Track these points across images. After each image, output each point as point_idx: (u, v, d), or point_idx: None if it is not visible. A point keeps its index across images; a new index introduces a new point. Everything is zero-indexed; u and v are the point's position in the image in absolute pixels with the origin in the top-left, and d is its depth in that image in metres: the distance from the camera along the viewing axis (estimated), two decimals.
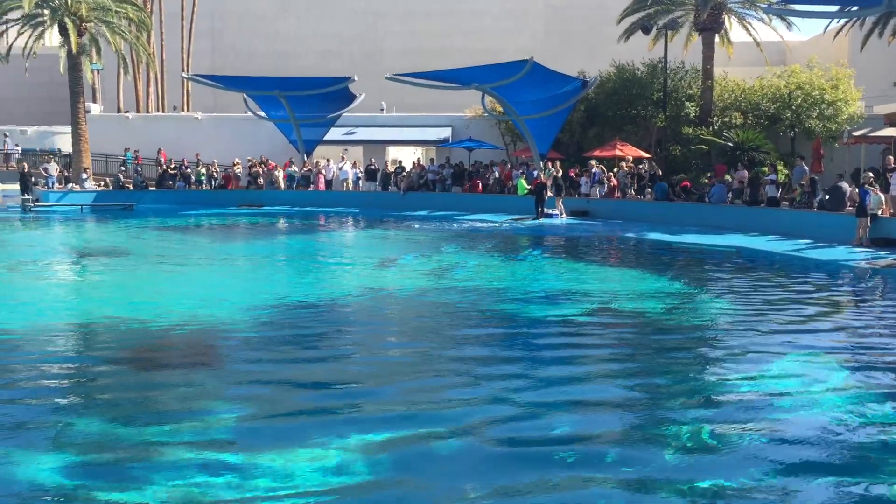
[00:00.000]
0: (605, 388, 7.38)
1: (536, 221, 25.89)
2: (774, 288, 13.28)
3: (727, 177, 25.75)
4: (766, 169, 25.44)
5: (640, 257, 18.57)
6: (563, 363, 8.22)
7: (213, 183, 34.86)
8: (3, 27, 42.23)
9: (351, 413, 6.65)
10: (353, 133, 37.74)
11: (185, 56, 50.73)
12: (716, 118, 32.20)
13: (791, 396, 7.03)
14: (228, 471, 5.33)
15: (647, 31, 33.17)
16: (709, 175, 28.30)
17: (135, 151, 38.69)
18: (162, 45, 50.30)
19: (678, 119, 32.26)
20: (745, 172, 25.26)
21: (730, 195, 24.60)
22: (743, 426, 6.20)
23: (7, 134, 43.60)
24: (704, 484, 5.14)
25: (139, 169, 37.57)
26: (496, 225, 25.32)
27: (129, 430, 6.18)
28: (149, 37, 41.73)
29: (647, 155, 31.26)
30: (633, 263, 17.49)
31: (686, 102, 32.64)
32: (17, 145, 39.98)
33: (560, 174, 29.13)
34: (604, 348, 9.00)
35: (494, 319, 10.64)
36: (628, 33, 34.91)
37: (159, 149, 39.11)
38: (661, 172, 27.96)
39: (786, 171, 26.74)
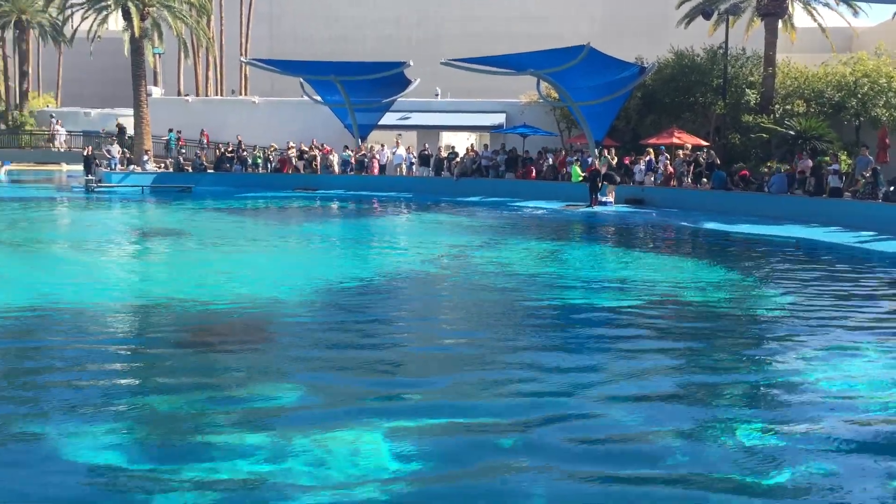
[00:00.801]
0: (665, 381, 7.28)
1: (590, 209, 25.68)
2: (838, 281, 12.97)
3: (788, 166, 25.16)
4: (827, 158, 24.78)
5: (697, 247, 18.32)
6: (622, 355, 8.14)
7: (269, 166, 35.32)
8: (69, 12, 43.31)
9: (405, 401, 6.69)
10: (407, 118, 37.82)
11: (243, 40, 51.39)
12: (777, 106, 31.45)
13: (860, 397, 6.85)
14: (278, 453, 5.43)
15: (707, 16, 32.52)
16: (768, 164, 27.68)
17: (178, 132, 39.34)
18: (221, 30, 51.05)
19: (738, 107, 31.58)
20: (809, 162, 24.61)
21: (792, 185, 24.05)
22: (809, 426, 6.09)
23: (53, 115, 44.79)
24: (768, 482, 5.07)
25: (183, 150, 38.18)
26: (546, 212, 25.17)
27: (186, 409, 6.34)
28: (209, 21, 42.44)
29: (705, 143, 30.72)
30: (689, 253, 17.26)
31: (746, 90, 31.92)
32: (62, 126, 40.98)
33: (615, 161, 28.82)
34: (662, 340, 8.90)
35: (551, 308, 10.60)
36: (688, 18, 34.26)
37: (202, 129, 39.81)
38: (719, 161, 27.45)
39: (849, 161, 26.02)
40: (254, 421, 6.03)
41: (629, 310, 10.37)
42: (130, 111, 39.72)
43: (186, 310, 10.13)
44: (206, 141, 39.61)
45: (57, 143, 37.75)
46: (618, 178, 27.73)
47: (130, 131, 40.92)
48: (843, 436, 5.83)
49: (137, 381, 7.28)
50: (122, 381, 7.22)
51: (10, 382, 6.98)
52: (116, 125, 40.62)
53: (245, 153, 35.67)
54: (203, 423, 5.98)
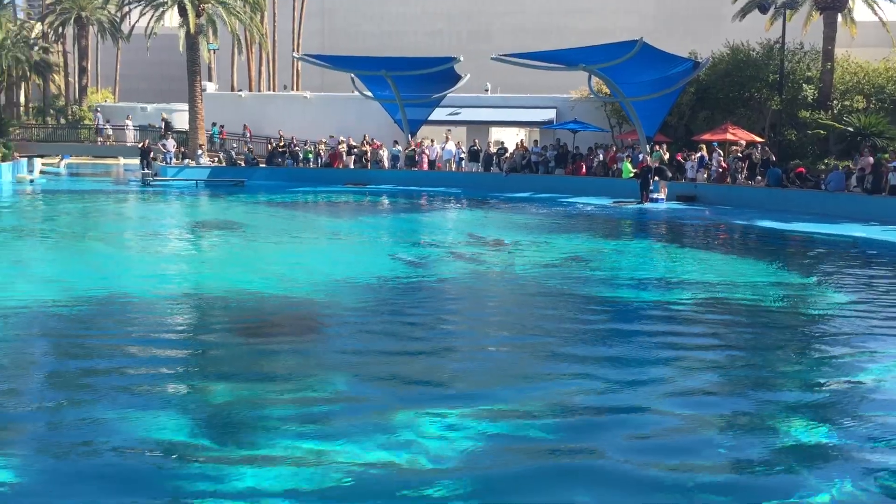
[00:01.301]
0: (719, 380, 7.22)
1: (641, 205, 25.43)
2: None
3: (849, 163, 24.53)
4: (887, 156, 24.14)
5: (751, 245, 18.01)
6: (674, 354, 8.08)
7: (319, 161, 35.69)
8: (127, 8, 44.28)
9: (452, 403, 6.74)
10: (457, 113, 37.87)
11: (295, 36, 51.99)
12: (835, 102, 30.73)
13: None
14: (326, 442, 5.52)
15: (764, 9, 31.91)
16: (825, 161, 27.08)
17: (220, 126, 40.06)
18: (274, 26, 51.70)
19: (794, 102, 30.93)
20: (871, 159, 23.93)
21: (849, 182, 23.49)
22: (869, 426, 5.98)
23: (98, 109, 45.87)
24: (816, 482, 5.00)
25: (225, 144, 38.78)
26: (596, 208, 24.99)
27: (240, 396, 6.47)
28: (262, 17, 42.97)
29: (759, 139, 30.17)
30: (743, 251, 16.99)
31: (804, 85, 31.25)
32: (107, 122, 41.86)
33: (667, 157, 28.48)
34: (715, 339, 8.78)
35: (602, 306, 10.54)
36: (744, 13, 33.69)
37: (244, 124, 40.49)
38: (774, 157, 26.94)
39: None
40: (305, 412, 6.12)
41: (681, 308, 10.26)
42: (185, 106, 40.47)
43: (242, 301, 10.32)
44: (248, 135, 40.29)
45: (129, 138, 38.66)
46: (670, 174, 27.43)
47: (178, 125, 41.83)
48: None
49: (193, 368, 7.45)
50: (179, 368, 7.39)
51: (70, 371, 7.20)
52: (162, 119, 41.50)
53: (297, 148, 36.11)
54: (256, 412, 6.10)
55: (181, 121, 42.43)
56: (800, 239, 18.45)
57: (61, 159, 41.10)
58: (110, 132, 41.37)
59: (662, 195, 26.38)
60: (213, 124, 39.76)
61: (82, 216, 21.46)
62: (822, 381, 7.26)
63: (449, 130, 37.46)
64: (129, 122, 41.18)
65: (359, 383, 6.92)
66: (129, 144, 40.90)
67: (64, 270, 12.34)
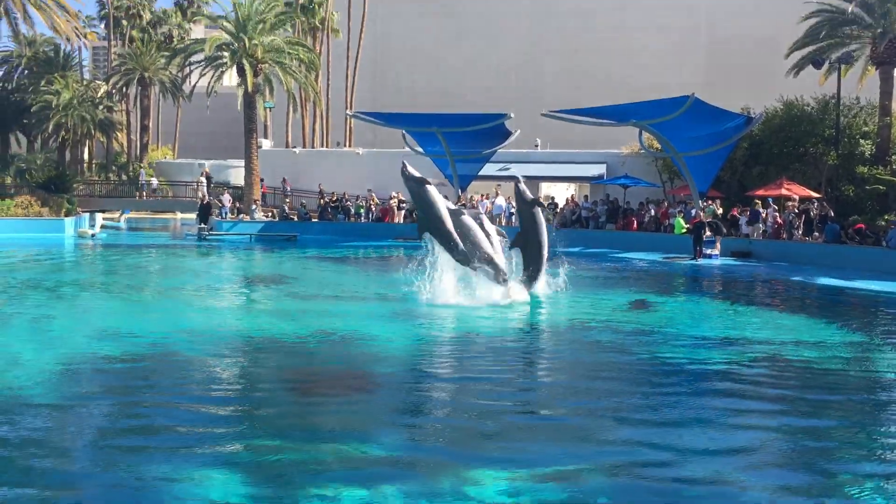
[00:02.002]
0: (778, 443, 6.98)
1: (695, 261, 25.06)
2: None
3: None
4: None
5: (810, 303, 17.55)
6: (730, 415, 7.85)
7: (371, 215, 36.07)
8: (188, 69, 45.84)
9: (500, 459, 6.62)
10: (507, 168, 38.02)
11: (348, 94, 53.09)
12: (894, 157, 30.13)
13: None
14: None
15: (818, 65, 31.60)
16: (886, 217, 26.44)
17: (261, 180, 41.36)
18: (328, 84, 52.91)
19: (852, 157, 30.40)
20: None
21: None
22: None
23: (143, 167, 47.57)
24: None
25: (303, 202, 39.58)
26: (647, 264, 24.69)
27: (286, 448, 6.45)
28: (317, 76, 43.99)
29: (816, 194, 29.64)
30: (801, 309, 16.54)
31: (861, 140, 30.74)
32: (151, 177, 43.27)
33: (720, 212, 28.11)
34: (771, 401, 8.52)
35: (654, 366, 10.33)
36: (798, 68, 33.45)
37: (283, 178, 41.51)
38: (832, 213, 26.41)
39: None
40: (351, 468, 6.07)
41: (736, 369, 9.98)
42: (241, 162, 41.45)
43: (292, 356, 10.35)
44: (287, 188, 41.23)
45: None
46: (724, 230, 27.02)
47: (234, 181, 43.08)
48: None
49: (243, 427, 7.44)
50: (228, 427, 7.40)
51: (120, 427, 7.28)
52: (203, 173, 42.82)
53: (348, 203, 36.59)
54: (305, 470, 6.06)
55: (237, 176, 43.44)
56: (862, 297, 17.92)
57: (122, 214, 42.25)
58: (154, 186, 42.76)
59: (717, 251, 25.98)
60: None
61: (139, 270, 21.93)
62: (884, 445, 6.96)
63: (499, 185, 37.63)
64: (202, 179, 42.25)
65: (404, 446, 6.85)
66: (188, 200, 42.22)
67: (120, 323, 12.56)
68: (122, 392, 8.50)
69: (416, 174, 14.66)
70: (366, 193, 37.38)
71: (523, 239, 16.17)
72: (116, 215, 41.81)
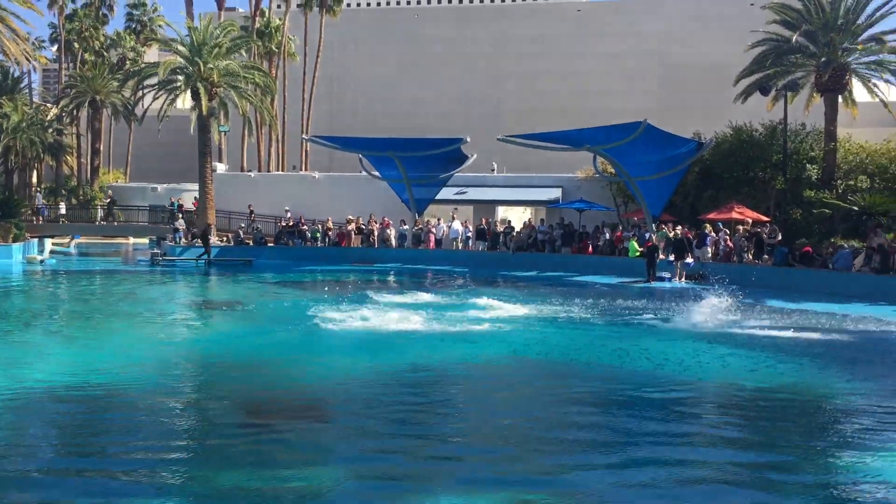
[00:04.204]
0: (721, 467, 7.06)
1: (647, 284, 25.36)
2: None
3: (861, 242, 24.46)
4: (892, 235, 24.16)
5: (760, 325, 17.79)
6: (668, 441, 7.92)
7: (327, 240, 35.89)
8: (141, 92, 45.34)
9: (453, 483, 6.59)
10: (463, 192, 38.21)
11: (305, 118, 52.96)
12: (840, 181, 30.95)
13: None
14: None
15: (765, 91, 32.42)
16: (832, 240, 27.08)
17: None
18: (284, 108, 52.76)
19: (799, 182, 31.17)
20: (885, 237, 23.80)
21: (855, 262, 23.45)
22: None
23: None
24: None
25: (258, 226, 39.19)
26: (602, 287, 24.90)
27: (238, 477, 6.33)
28: (272, 100, 43.81)
29: (765, 218, 30.27)
30: (752, 332, 16.76)
31: (807, 165, 31.55)
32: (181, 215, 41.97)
33: (672, 235, 28.53)
34: (712, 427, 8.63)
35: (598, 395, 10.38)
36: (746, 94, 34.25)
37: (249, 205, 40.99)
38: (780, 236, 26.98)
39: None
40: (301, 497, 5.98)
41: (678, 395, 10.09)
42: (195, 186, 40.99)
43: (244, 383, 10.20)
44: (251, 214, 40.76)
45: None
46: (687, 253, 27.29)
47: (187, 205, 42.53)
48: None
49: (192, 457, 7.30)
50: (179, 457, 7.25)
51: (63, 459, 7.09)
52: (171, 201, 42.16)
53: (304, 227, 36.37)
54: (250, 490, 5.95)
55: (191, 201, 42.97)
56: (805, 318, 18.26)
57: (72, 239, 41.46)
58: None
59: (670, 274, 26.30)
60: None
61: (88, 296, 21.48)
62: (824, 468, 7.07)
63: (455, 209, 37.76)
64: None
65: (363, 474, 6.77)
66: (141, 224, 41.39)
67: (63, 352, 12.26)
68: (66, 424, 8.29)
69: None
70: (322, 217, 37.21)
71: None
72: (66, 241, 41.01)
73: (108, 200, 45.52)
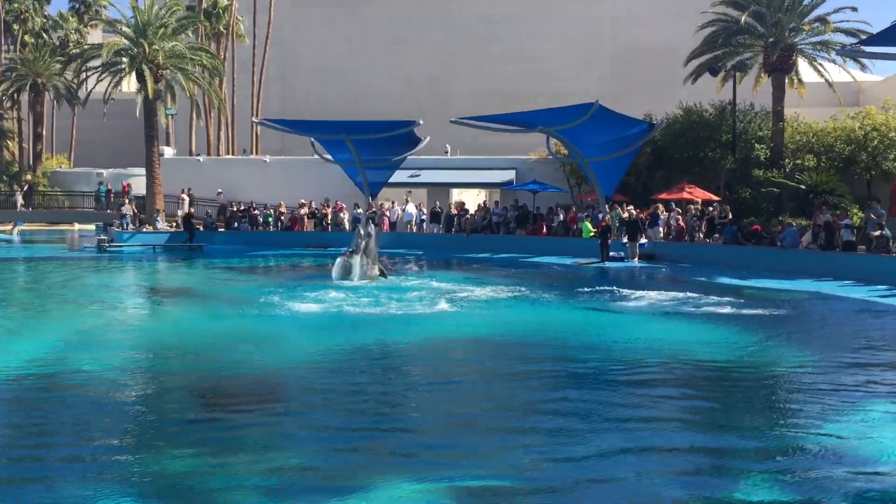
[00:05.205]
0: (677, 437, 7.08)
1: (601, 264, 25.53)
2: (854, 336, 12.72)
3: (808, 220, 24.92)
4: (838, 212, 24.68)
5: (710, 302, 18.03)
6: (627, 414, 7.94)
7: (279, 224, 35.45)
8: (84, 75, 44.13)
9: (418, 465, 6.51)
10: (417, 175, 38.00)
11: (254, 101, 52.07)
12: (787, 160, 31.49)
13: (877, 454, 6.64)
14: None
15: (714, 72, 32.76)
16: (780, 218, 27.56)
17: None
18: (233, 91, 51.80)
19: (748, 161, 31.63)
20: (829, 215, 24.26)
21: (802, 239, 23.89)
22: (823, 479, 5.86)
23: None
24: None
25: (207, 210, 38.54)
26: (557, 268, 25.03)
27: (187, 465, 6.16)
28: (221, 82, 42.96)
29: (716, 197, 30.69)
30: (703, 308, 16.97)
31: (756, 144, 32.02)
32: (186, 195, 40.29)
33: (626, 216, 28.75)
34: (671, 399, 8.68)
35: (552, 371, 10.39)
36: (696, 75, 34.56)
37: (219, 191, 40.30)
38: (731, 215, 27.36)
39: (860, 215, 25.89)
40: (266, 485, 5.84)
41: (635, 369, 10.15)
42: (143, 171, 40.11)
43: (194, 372, 9.98)
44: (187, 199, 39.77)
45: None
46: (640, 233, 27.49)
47: (135, 190, 41.74)
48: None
49: (141, 447, 7.08)
50: (131, 445, 7.03)
51: (15, 450, 6.83)
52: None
53: (256, 212, 35.86)
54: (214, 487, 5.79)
55: (138, 185, 42.06)
56: (757, 295, 18.55)
57: (14, 226, 40.26)
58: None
59: (625, 254, 26.50)
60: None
61: (31, 285, 20.89)
62: (779, 437, 7.14)
63: (409, 192, 37.55)
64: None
65: (318, 460, 6.64)
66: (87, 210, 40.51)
67: (10, 340, 11.88)
68: (20, 413, 8.02)
69: None
70: (274, 202, 36.70)
71: None
72: (9, 227, 39.87)
73: (27, 187, 44.78)
